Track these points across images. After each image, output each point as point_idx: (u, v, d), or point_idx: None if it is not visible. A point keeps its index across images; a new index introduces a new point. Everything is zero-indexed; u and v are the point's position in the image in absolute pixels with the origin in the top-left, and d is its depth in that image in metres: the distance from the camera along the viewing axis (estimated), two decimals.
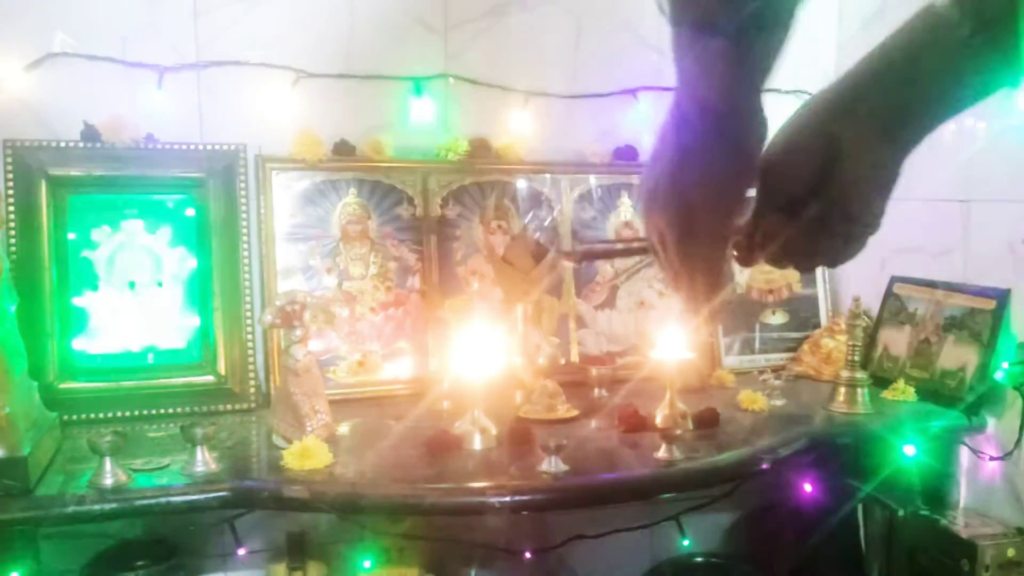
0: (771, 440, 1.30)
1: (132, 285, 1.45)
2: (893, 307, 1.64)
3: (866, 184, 0.54)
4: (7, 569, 1.17)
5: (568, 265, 1.36)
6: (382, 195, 1.60)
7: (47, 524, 1.07)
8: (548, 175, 1.71)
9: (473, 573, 1.61)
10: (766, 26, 0.52)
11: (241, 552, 1.33)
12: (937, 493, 1.46)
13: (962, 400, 1.43)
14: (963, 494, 1.47)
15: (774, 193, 0.55)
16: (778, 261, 0.58)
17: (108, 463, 1.08)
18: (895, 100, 0.52)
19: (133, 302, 1.45)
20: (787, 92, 1.81)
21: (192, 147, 1.47)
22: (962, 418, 1.41)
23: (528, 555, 1.56)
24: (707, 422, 1.36)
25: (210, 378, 1.46)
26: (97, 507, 1.05)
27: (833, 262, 0.60)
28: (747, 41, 0.51)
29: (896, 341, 1.61)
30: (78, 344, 1.41)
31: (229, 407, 1.44)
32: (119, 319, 1.44)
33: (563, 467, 1.14)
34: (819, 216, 0.55)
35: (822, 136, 0.52)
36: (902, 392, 1.50)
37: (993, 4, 0.48)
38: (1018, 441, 1.36)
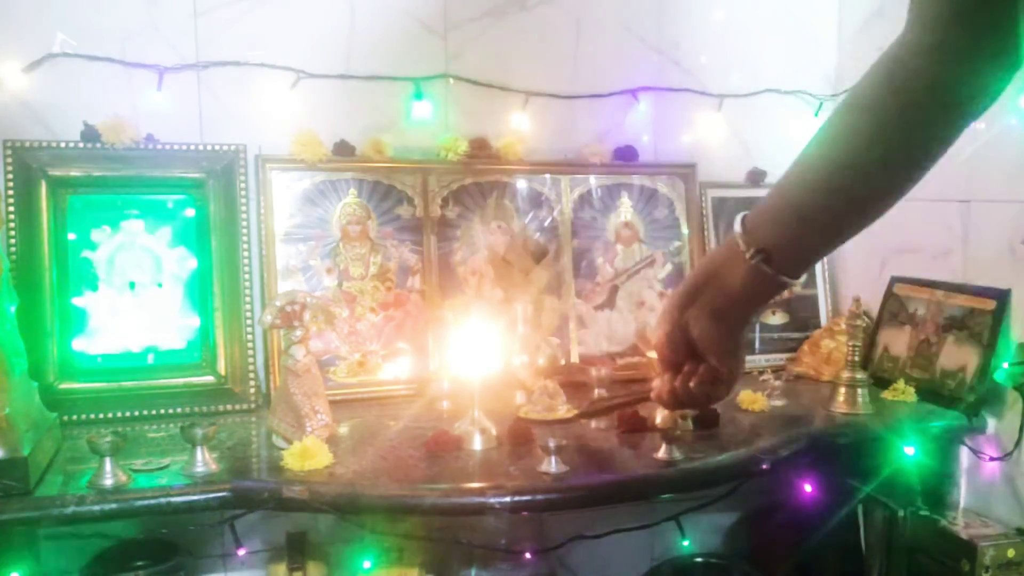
0: (771, 440, 1.30)
1: (132, 285, 1.45)
2: (893, 307, 1.64)
3: (713, 351, 0.74)
4: (7, 569, 1.17)
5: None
6: (382, 195, 1.60)
7: (47, 524, 1.06)
8: (548, 175, 1.71)
9: (473, 573, 1.61)
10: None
11: (241, 552, 1.33)
12: (937, 493, 1.45)
13: (962, 400, 1.43)
14: (963, 494, 1.47)
15: (665, 362, 0.78)
16: (682, 405, 0.80)
17: (108, 463, 1.08)
18: (717, 299, 0.73)
19: (133, 302, 1.45)
20: (787, 92, 1.81)
21: (192, 147, 1.47)
22: (962, 418, 1.41)
23: (528, 555, 1.56)
24: (707, 422, 1.36)
25: (210, 378, 1.46)
26: (97, 507, 1.05)
27: (712, 401, 0.79)
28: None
29: (896, 341, 1.61)
30: (78, 344, 1.41)
31: (229, 407, 1.44)
32: (119, 319, 1.44)
33: (563, 467, 1.14)
34: (693, 371, 0.76)
35: (679, 326, 0.75)
36: (902, 392, 1.50)
37: (765, 236, 0.70)
38: (1018, 441, 1.36)
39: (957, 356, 1.47)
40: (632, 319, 1.72)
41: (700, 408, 0.78)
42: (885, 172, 0.69)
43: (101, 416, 1.38)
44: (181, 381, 1.44)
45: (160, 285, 1.47)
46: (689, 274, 0.80)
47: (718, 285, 0.73)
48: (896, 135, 0.66)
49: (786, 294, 1.81)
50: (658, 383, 0.79)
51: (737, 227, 0.72)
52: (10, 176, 1.38)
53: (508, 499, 1.09)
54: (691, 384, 0.76)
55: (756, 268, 0.71)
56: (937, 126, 0.66)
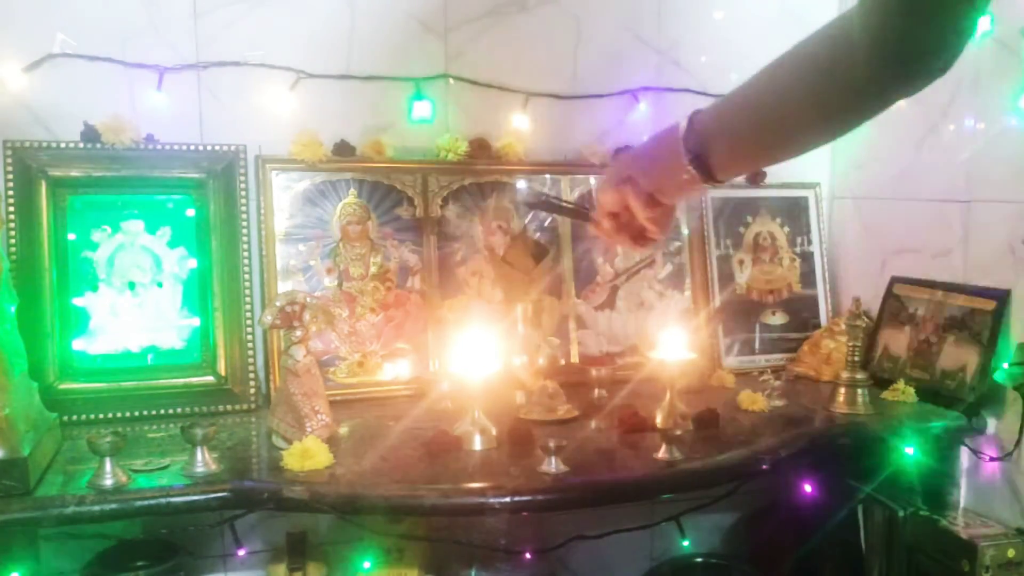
0: (771, 441, 1.30)
1: (132, 285, 1.45)
2: (893, 307, 1.64)
3: (644, 217, 0.90)
4: (7, 569, 1.17)
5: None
6: (382, 195, 1.60)
7: (47, 524, 1.06)
8: (548, 175, 1.71)
9: (473, 573, 1.61)
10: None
11: (241, 552, 1.33)
12: (937, 493, 1.46)
13: (962, 400, 1.43)
14: (963, 494, 1.47)
15: (607, 214, 0.94)
16: (616, 241, 0.97)
17: (108, 463, 1.08)
18: (652, 182, 0.88)
19: (133, 302, 1.45)
20: None
21: (192, 147, 1.47)
22: (962, 418, 1.41)
23: (528, 555, 1.56)
24: (707, 423, 1.36)
25: (210, 379, 1.46)
26: (97, 507, 1.05)
27: (639, 246, 0.96)
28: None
29: (896, 341, 1.61)
30: (78, 344, 1.41)
31: (229, 408, 1.44)
32: (119, 319, 1.44)
33: (563, 468, 1.15)
34: (627, 222, 0.93)
35: (620, 193, 0.90)
36: (902, 393, 1.50)
37: (705, 143, 0.82)
38: (1018, 441, 1.36)
39: (957, 356, 1.47)
40: (632, 319, 1.72)
41: (629, 246, 0.99)
42: (804, 131, 0.78)
43: (101, 416, 1.38)
44: (181, 381, 1.44)
45: (160, 285, 1.47)
46: (632, 152, 0.95)
47: (656, 174, 0.87)
48: (819, 109, 0.74)
49: (785, 294, 1.81)
50: (600, 220, 0.96)
51: (683, 126, 0.84)
52: (10, 176, 1.38)
53: (508, 499, 1.09)
54: (625, 231, 0.94)
55: (690, 171, 0.83)
56: (876, 92, 0.71)
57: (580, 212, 1.13)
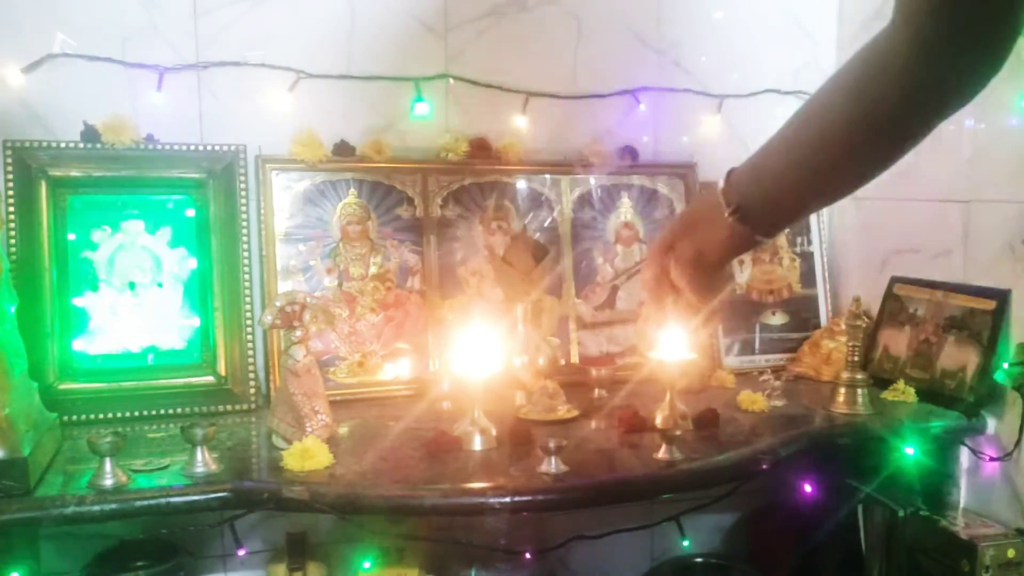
0: (771, 441, 1.30)
1: (132, 285, 1.45)
2: (893, 307, 1.64)
3: (691, 290, 0.82)
4: (7, 569, 1.17)
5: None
6: (382, 195, 1.60)
7: (47, 524, 1.06)
8: (548, 175, 1.71)
9: (473, 573, 1.61)
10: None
11: (241, 552, 1.33)
12: (937, 493, 1.46)
13: (962, 400, 1.43)
14: (963, 494, 1.47)
15: (653, 296, 0.88)
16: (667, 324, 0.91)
17: (108, 464, 1.08)
18: (696, 247, 0.80)
19: (133, 302, 1.45)
20: (787, 93, 1.81)
21: (192, 147, 1.47)
22: (962, 418, 1.41)
23: (528, 555, 1.56)
24: (707, 423, 1.36)
25: (210, 379, 1.46)
26: (97, 507, 1.05)
27: (687, 323, 0.88)
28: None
29: (896, 341, 1.61)
30: (78, 345, 1.41)
31: (229, 408, 1.44)
32: (119, 319, 1.44)
33: (563, 468, 1.15)
34: (676, 300, 0.85)
35: (662, 267, 0.83)
36: (902, 392, 1.50)
37: (745, 195, 0.76)
38: (1018, 441, 1.36)
39: (957, 356, 1.47)
40: (632, 319, 1.71)
41: (680, 325, 0.92)
42: (853, 157, 0.72)
43: (101, 416, 1.38)
44: (181, 381, 1.44)
45: (160, 285, 1.47)
46: (674, 218, 0.91)
47: (698, 234, 0.80)
48: (868, 124, 0.69)
49: (785, 294, 1.81)
50: (648, 311, 0.92)
51: (721, 182, 0.78)
52: (10, 176, 1.38)
53: (508, 499, 1.09)
54: (673, 314, 0.88)
55: (733, 225, 0.77)
56: (910, 119, 0.68)
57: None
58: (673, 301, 0.86)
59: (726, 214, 0.77)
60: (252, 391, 1.46)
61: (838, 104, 0.70)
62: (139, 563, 1.39)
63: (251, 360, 1.47)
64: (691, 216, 0.84)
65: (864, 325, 1.45)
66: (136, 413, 1.39)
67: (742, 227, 0.77)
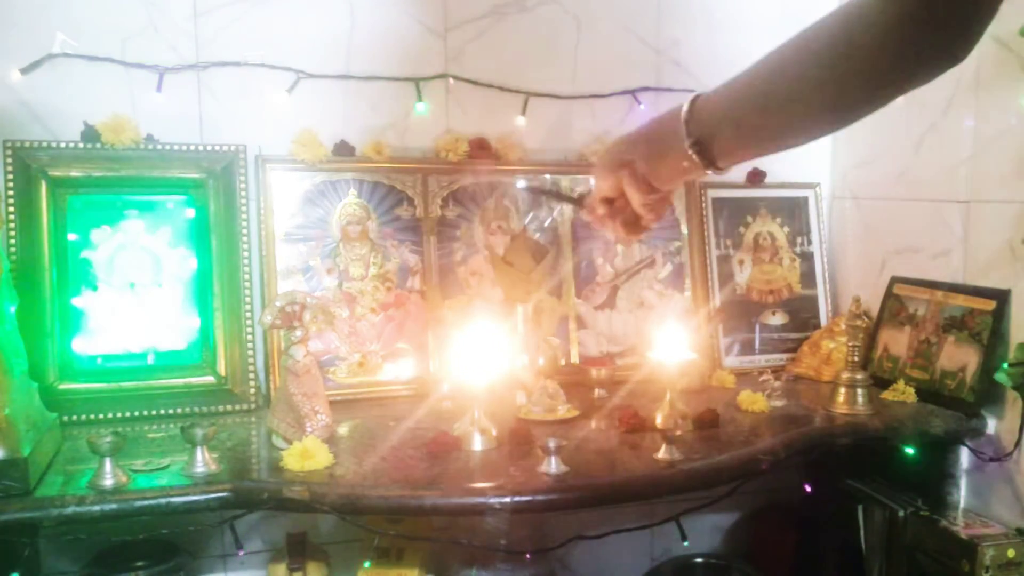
0: (771, 440, 1.30)
1: (132, 286, 1.45)
2: (893, 307, 1.64)
3: (639, 203, 0.87)
4: (7, 569, 1.17)
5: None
6: (382, 196, 1.60)
7: (47, 524, 1.06)
8: (548, 175, 1.71)
9: (473, 573, 1.61)
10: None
11: (241, 552, 1.32)
12: (937, 493, 1.45)
13: (962, 400, 1.43)
14: (963, 494, 1.47)
15: (602, 199, 0.92)
16: (608, 227, 0.95)
17: (108, 464, 1.08)
18: (650, 166, 0.84)
19: (133, 302, 1.45)
20: None
21: (192, 147, 1.47)
22: (962, 418, 1.41)
23: (528, 555, 1.56)
24: (707, 423, 1.36)
25: (210, 379, 1.46)
26: (97, 508, 1.05)
27: (631, 234, 0.93)
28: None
29: (896, 341, 1.61)
30: (78, 345, 1.41)
31: (229, 408, 1.44)
32: (119, 320, 1.44)
33: (563, 468, 1.15)
34: (621, 208, 0.90)
35: (616, 177, 0.87)
36: (902, 392, 1.50)
37: (706, 128, 0.78)
38: (1018, 441, 1.36)
39: (957, 356, 1.47)
40: (632, 319, 1.72)
41: (621, 234, 0.95)
42: (817, 115, 0.74)
43: (101, 416, 1.38)
44: (181, 381, 1.44)
45: (160, 285, 1.47)
46: (631, 133, 0.88)
47: (654, 157, 0.83)
48: (836, 91, 0.70)
49: (785, 294, 1.81)
50: (594, 205, 0.94)
51: (685, 109, 0.79)
52: (10, 176, 1.38)
53: (508, 499, 1.09)
54: (618, 218, 0.91)
55: (691, 156, 0.79)
56: (871, 95, 0.70)
57: (574, 199, 1.12)
58: (621, 204, 0.89)
59: (686, 144, 0.78)
60: (252, 391, 1.46)
61: (808, 67, 0.71)
62: (139, 563, 1.39)
63: (251, 360, 1.47)
64: (648, 136, 0.85)
65: (864, 325, 1.45)
66: (136, 413, 1.40)
67: (699, 159, 0.79)
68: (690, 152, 0.79)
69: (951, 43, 0.65)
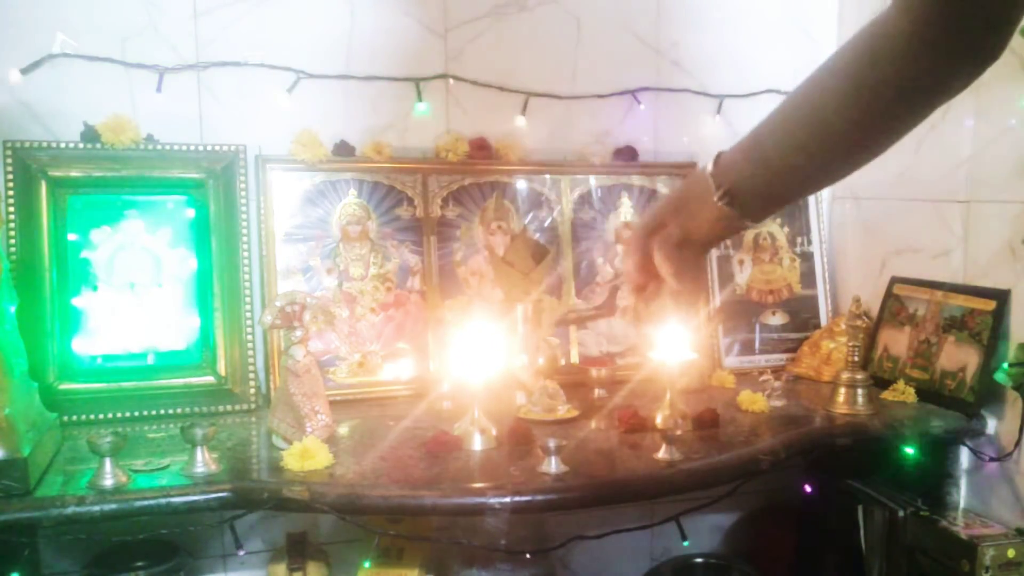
0: (771, 440, 1.30)
1: (132, 286, 1.45)
2: (893, 307, 1.64)
3: (674, 275, 0.78)
4: (7, 569, 1.17)
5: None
6: (382, 196, 1.60)
7: (47, 524, 1.06)
8: (548, 175, 1.71)
9: (473, 573, 1.61)
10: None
11: (241, 552, 1.32)
12: (937, 493, 1.46)
13: (962, 400, 1.43)
14: (963, 494, 1.47)
15: (633, 284, 0.84)
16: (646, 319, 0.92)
17: (108, 464, 1.08)
18: (682, 230, 0.78)
19: (133, 303, 1.45)
20: (786, 93, 1.80)
21: (192, 147, 1.47)
22: (962, 418, 1.41)
23: (528, 555, 1.56)
24: (707, 423, 1.36)
25: (210, 379, 1.46)
26: (97, 508, 1.05)
27: (674, 316, 0.88)
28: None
29: (896, 341, 1.61)
30: (78, 345, 1.41)
31: (229, 408, 1.44)
32: (119, 320, 1.44)
33: (563, 468, 1.15)
34: (657, 290, 0.82)
35: (645, 252, 0.80)
36: (902, 393, 1.50)
37: (734, 179, 0.74)
38: (1018, 441, 1.36)
39: (957, 356, 1.47)
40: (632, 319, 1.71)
41: (662, 321, 0.89)
42: (847, 140, 0.71)
43: (101, 416, 1.38)
44: (181, 381, 1.44)
45: (160, 285, 1.47)
46: (659, 202, 0.85)
47: (685, 217, 0.78)
48: (865, 107, 0.68)
49: (785, 294, 1.81)
50: (627, 302, 0.89)
51: (710, 166, 0.77)
52: (10, 176, 1.38)
53: (508, 499, 1.09)
54: (654, 302, 0.84)
55: (722, 208, 0.75)
56: (905, 106, 0.68)
57: (592, 313, 1.08)
58: (654, 289, 0.83)
59: (715, 198, 0.75)
60: (252, 391, 1.46)
61: (833, 89, 0.69)
62: (139, 563, 1.39)
63: (251, 360, 1.47)
64: (678, 200, 0.81)
65: (864, 325, 1.45)
66: (136, 413, 1.40)
67: (731, 211, 0.75)
68: (720, 204, 0.75)
69: (977, 45, 0.63)
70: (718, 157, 0.77)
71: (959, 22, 0.61)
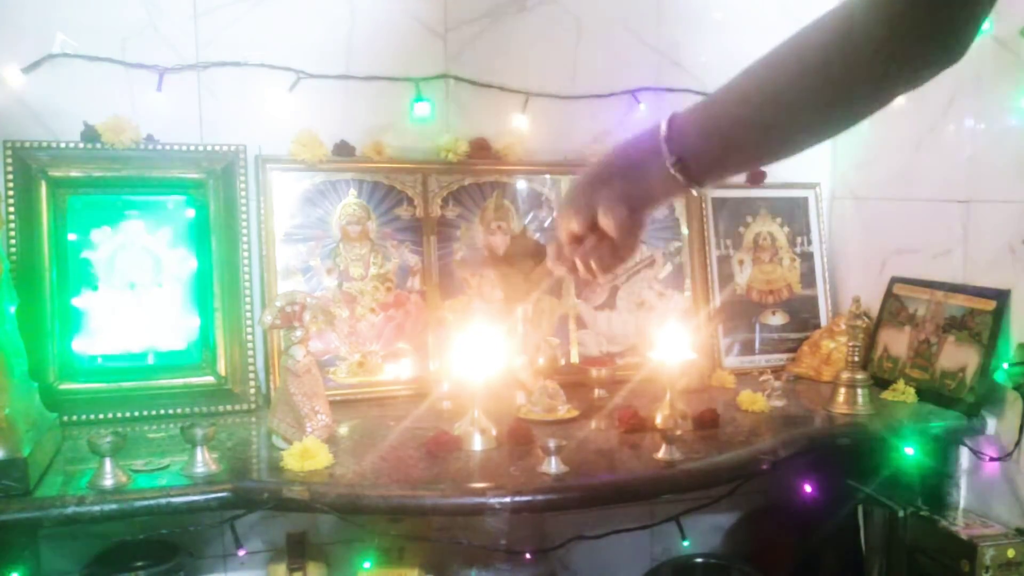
0: (771, 440, 1.30)
1: (132, 286, 1.45)
2: (893, 307, 1.64)
3: (618, 232, 0.78)
4: (7, 569, 1.17)
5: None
6: (382, 196, 1.60)
7: (47, 524, 1.06)
8: (548, 175, 1.71)
9: (473, 573, 1.61)
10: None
11: (241, 552, 1.32)
12: (937, 493, 1.46)
13: (962, 400, 1.43)
14: (963, 494, 1.47)
15: (570, 234, 0.83)
16: (577, 270, 0.85)
17: (108, 464, 1.08)
18: (629, 188, 0.78)
19: (133, 303, 1.45)
20: None
21: (192, 148, 1.47)
22: (962, 418, 1.41)
23: (528, 555, 1.56)
24: (707, 423, 1.36)
25: (210, 379, 1.46)
26: (97, 508, 1.05)
27: (605, 271, 0.84)
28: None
29: (896, 341, 1.61)
30: (78, 345, 1.41)
31: (229, 408, 1.44)
32: (119, 320, 1.44)
33: (563, 468, 1.15)
34: (594, 244, 0.81)
35: (589, 205, 0.79)
36: (902, 393, 1.50)
37: (688, 145, 0.74)
38: (1018, 441, 1.36)
39: (957, 356, 1.47)
40: (632, 319, 1.72)
41: (592, 275, 0.83)
42: (808, 122, 0.71)
43: (101, 416, 1.38)
44: (181, 381, 1.44)
45: (160, 285, 1.47)
46: (605, 157, 0.82)
47: (633, 177, 0.78)
48: (831, 92, 0.68)
49: (785, 294, 1.81)
50: (558, 250, 0.86)
51: (663, 128, 0.76)
52: (10, 176, 1.38)
53: (508, 499, 1.09)
54: (590, 256, 0.82)
55: (672, 175, 0.75)
56: (872, 90, 0.68)
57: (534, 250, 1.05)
58: (592, 243, 0.82)
59: (667, 163, 0.75)
60: (252, 391, 1.46)
61: (799, 73, 0.69)
62: (139, 563, 1.39)
63: (251, 360, 1.47)
64: (627, 158, 0.80)
65: (864, 325, 1.45)
66: (136, 413, 1.40)
67: (681, 177, 0.75)
68: (672, 171, 0.75)
69: (945, 38, 0.63)
70: (672, 119, 0.77)
71: (927, 24, 0.62)
